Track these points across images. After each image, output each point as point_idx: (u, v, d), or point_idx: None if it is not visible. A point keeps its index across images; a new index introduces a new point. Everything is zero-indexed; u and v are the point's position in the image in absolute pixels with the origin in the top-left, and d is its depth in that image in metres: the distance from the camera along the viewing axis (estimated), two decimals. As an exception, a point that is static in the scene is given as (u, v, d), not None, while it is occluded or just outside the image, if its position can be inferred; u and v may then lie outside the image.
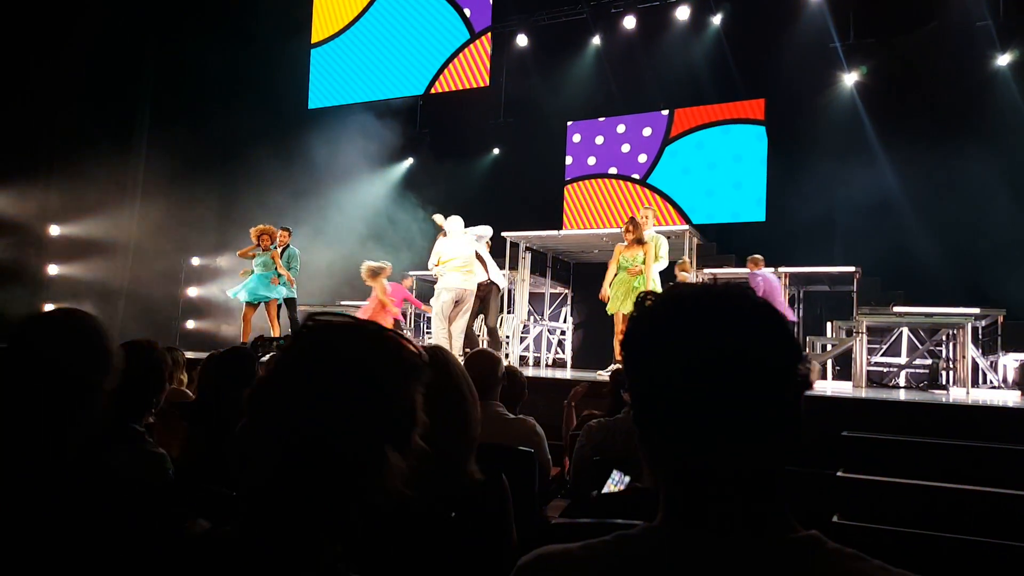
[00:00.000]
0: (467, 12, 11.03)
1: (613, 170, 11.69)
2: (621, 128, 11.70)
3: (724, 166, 10.88)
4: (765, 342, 0.75)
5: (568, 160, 11.98)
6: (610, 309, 6.73)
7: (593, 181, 11.82)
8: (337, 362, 0.82)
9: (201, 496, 1.53)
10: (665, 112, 11.32)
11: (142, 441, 2.04)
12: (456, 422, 1.75)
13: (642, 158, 11.49)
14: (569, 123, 11.98)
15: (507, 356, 8.80)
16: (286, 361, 0.84)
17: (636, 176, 11.49)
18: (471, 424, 1.77)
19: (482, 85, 10.95)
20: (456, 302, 7.02)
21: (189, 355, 4.14)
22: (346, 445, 0.80)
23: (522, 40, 11.92)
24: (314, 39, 12.08)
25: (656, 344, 0.77)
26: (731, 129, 10.90)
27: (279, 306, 8.03)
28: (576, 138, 12.00)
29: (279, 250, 8.04)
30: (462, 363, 2.85)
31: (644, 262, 6.56)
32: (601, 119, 11.81)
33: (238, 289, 7.92)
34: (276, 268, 7.85)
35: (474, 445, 1.78)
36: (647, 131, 11.49)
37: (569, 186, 11.90)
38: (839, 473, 3.89)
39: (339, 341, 0.84)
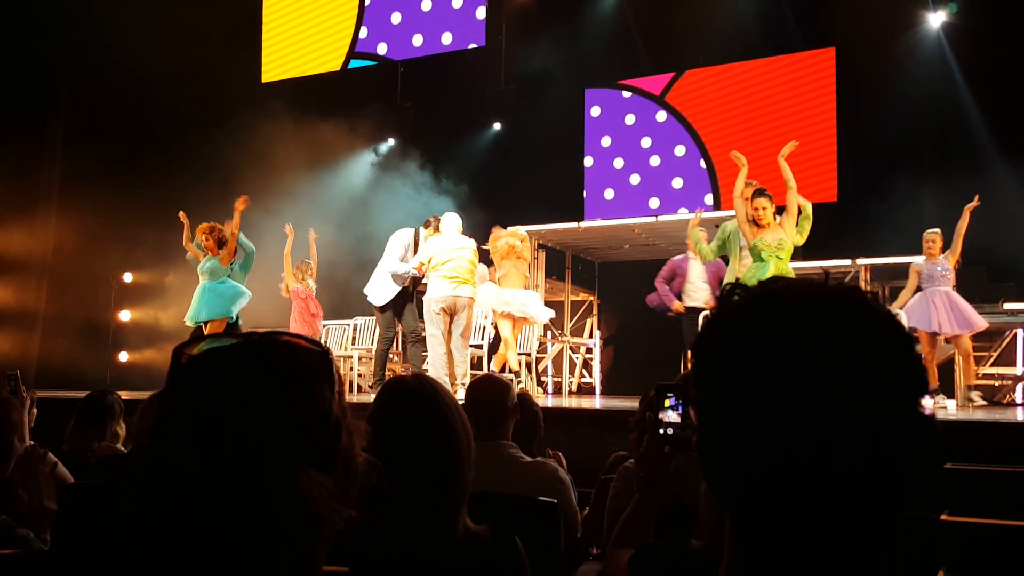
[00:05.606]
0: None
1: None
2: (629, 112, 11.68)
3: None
4: (886, 365, 0.74)
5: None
6: None
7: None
8: (208, 400, 0.84)
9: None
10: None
11: None
12: (442, 465, 1.74)
13: (676, 182, 11.19)
14: (587, 90, 11.99)
15: (518, 381, 8.78)
16: (159, 416, 0.86)
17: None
18: (463, 467, 1.77)
19: (476, 45, 10.98)
20: (450, 315, 7.29)
21: (125, 396, 4.13)
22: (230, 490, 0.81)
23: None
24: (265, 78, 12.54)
25: (746, 353, 0.76)
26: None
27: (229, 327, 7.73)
28: (595, 111, 11.99)
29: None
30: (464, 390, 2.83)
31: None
32: (626, 94, 11.79)
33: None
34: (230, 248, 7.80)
35: (465, 493, 1.78)
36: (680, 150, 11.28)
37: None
38: (943, 516, 3.86)
39: (210, 373, 0.86)
